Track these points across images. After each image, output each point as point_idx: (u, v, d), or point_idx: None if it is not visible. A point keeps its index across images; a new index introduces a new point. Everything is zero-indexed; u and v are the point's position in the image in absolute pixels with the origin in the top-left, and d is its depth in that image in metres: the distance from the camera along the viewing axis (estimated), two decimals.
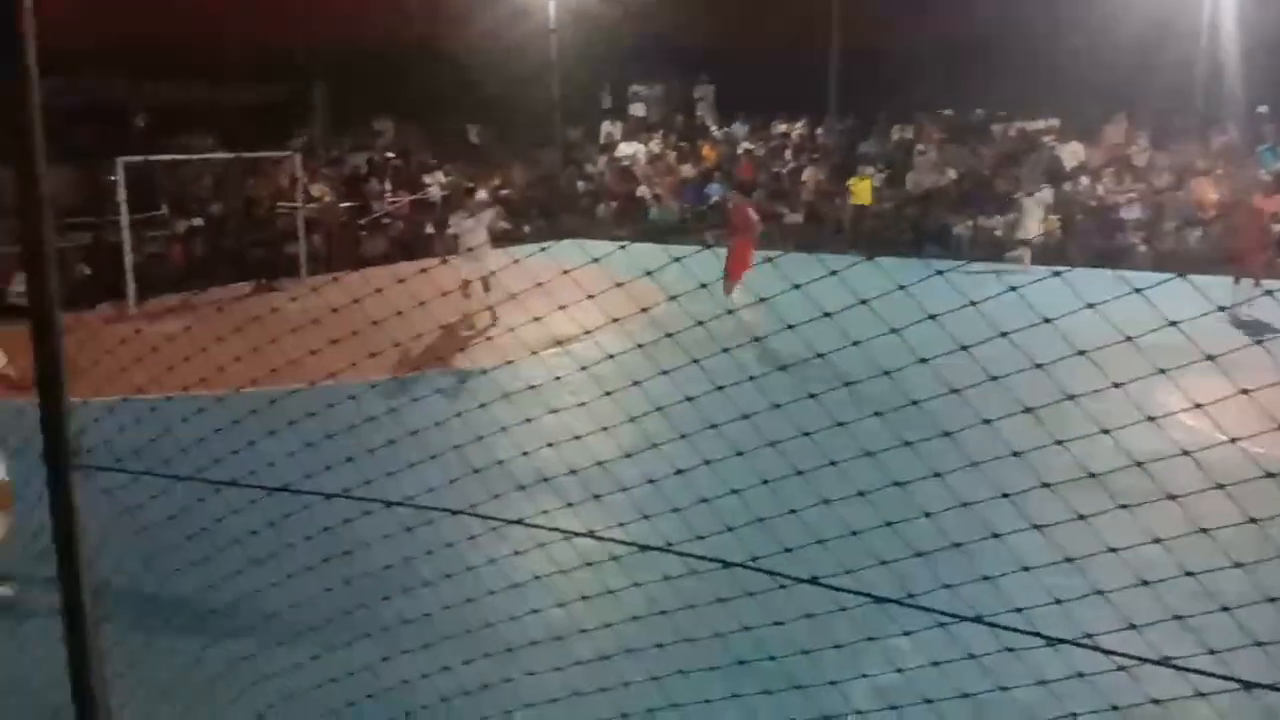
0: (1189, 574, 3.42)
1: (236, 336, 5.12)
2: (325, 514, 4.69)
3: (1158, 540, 3.47)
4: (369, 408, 5.08)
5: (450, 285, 13.86)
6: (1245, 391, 3.70)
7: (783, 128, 28.78)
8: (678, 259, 3.73)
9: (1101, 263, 19.69)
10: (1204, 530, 3.30)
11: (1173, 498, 3.20)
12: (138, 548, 5.80)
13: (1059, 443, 3.42)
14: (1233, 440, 3.45)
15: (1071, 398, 3.26)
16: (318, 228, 21.37)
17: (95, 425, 4.11)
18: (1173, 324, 3.09)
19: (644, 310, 4.05)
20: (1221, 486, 3.24)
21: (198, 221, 20.74)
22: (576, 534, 4.10)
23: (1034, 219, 21.21)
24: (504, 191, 27.05)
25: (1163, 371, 3.22)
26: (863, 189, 24.11)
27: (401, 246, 22.86)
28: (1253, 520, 3.45)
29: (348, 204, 23.60)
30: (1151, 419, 3.52)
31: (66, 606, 3.05)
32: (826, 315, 3.38)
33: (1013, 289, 3.23)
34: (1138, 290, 3.18)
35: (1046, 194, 21.67)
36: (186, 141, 22.25)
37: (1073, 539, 3.66)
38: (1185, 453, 3.25)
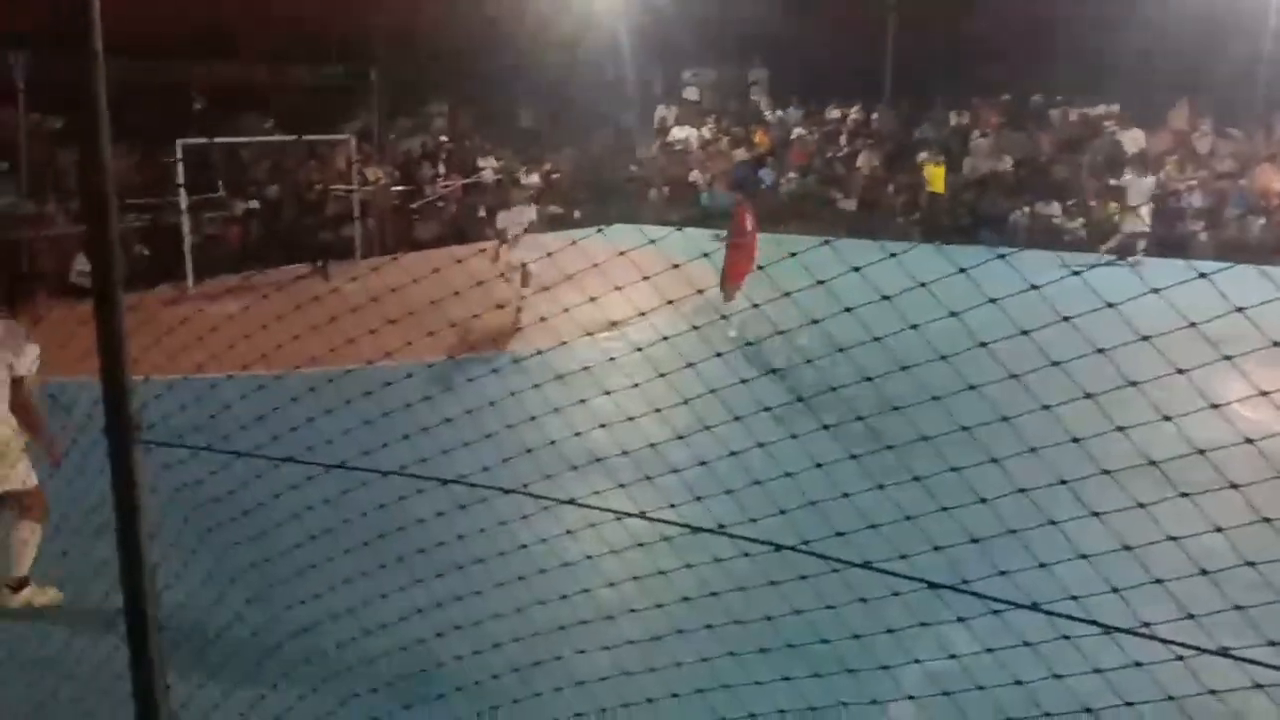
0: (1249, 564, 3.37)
1: (294, 316, 5.19)
2: (381, 491, 4.76)
3: (1218, 529, 3.42)
4: (424, 387, 5.13)
5: (498, 270, 13.97)
6: None
7: (837, 113, 28.55)
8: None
9: (1162, 251, 19.39)
10: (1267, 520, 3.24)
11: (1234, 486, 3.15)
12: (196, 523, 5.91)
13: (1119, 429, 3.38)
14: None
15: (1133, 384, 3.22)
16: (371, 211, 21.56)
17: (155, 402, 4.19)
18: (1239, 310, 3.04)
19: (698, 293, 4.04)
20: None
21: (254, 204, 21.01)
22: (628, 514, 4.13)
23: (1140, 208, 20.36)
24: (555, 175, 27.11)
25: (1227, 358, 3.17)
26: (937, 176, 23.77)
27: (454, 230, 23.01)
28: None
29: (401, 187, 23.78)
30: (1214, 407, 3.46)
31: (126, 582, 3.10)
32: (885, 299, 3.36)
33: (1075, 272, 3.19)
34: (1202, 275, 3.13)
35: (1148, 182, 20.82)
36: (244, 124, 22.52)
37: (1131, 527, 3.62)
38: (1249, 440, 3.20)
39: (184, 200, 17.56)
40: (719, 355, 4.11)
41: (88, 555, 6.08)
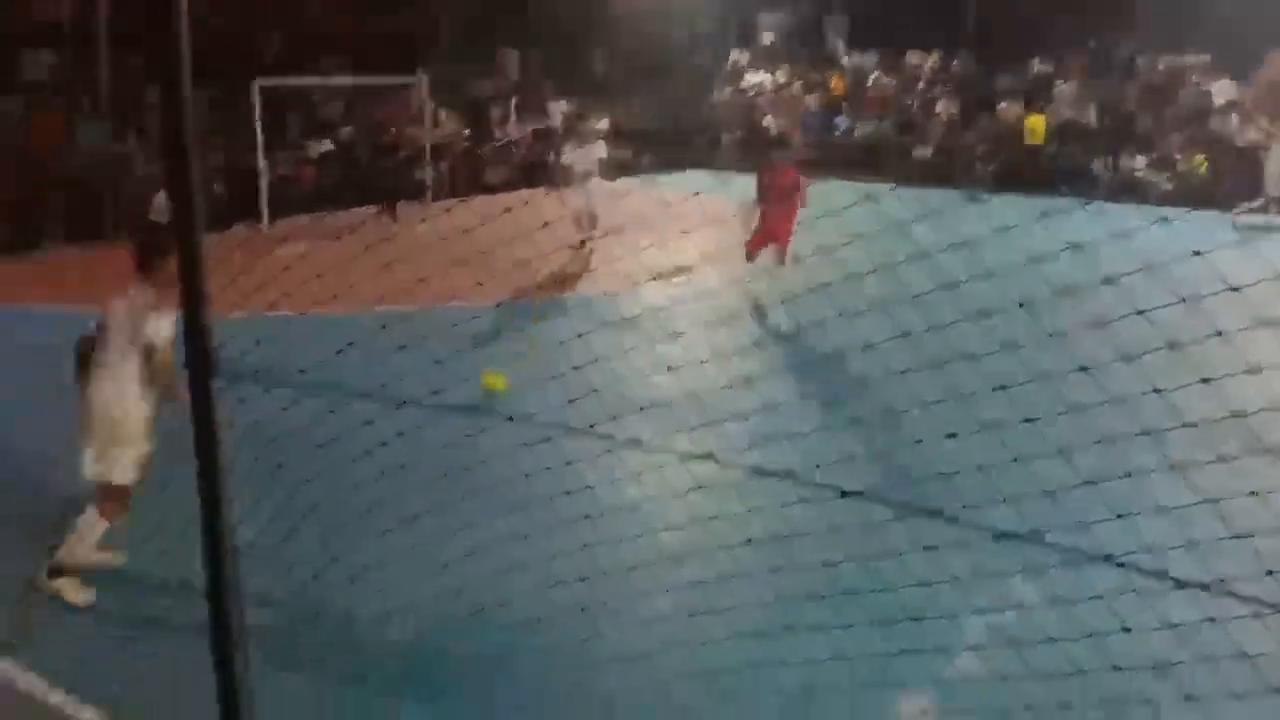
0: None
1: (364, 257, 5.23)
2: (448, 429, 4.81)
3: None
4: (491, 328, 5.15)
5: (566, 211, 13.89)
6: None
7: (915, 59, 27.90)
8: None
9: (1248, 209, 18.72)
10: None
11: None
12: (269, 458, 6.03)
13: (1204, 380, 3.28)
14: None
15: (1219, 333, 3.12)
16: (442, 154, 21.62)
17: (230, 340, 4.26)
18: None
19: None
20: None
21: (328, 145, 21.17)
22: (695, 456, 4.12)
23: None
24: (626, 120, 26.92)
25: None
26: (1038, 125, 23.11)
27: (523, 174, 23.00)
28: None
29: (471, 131, 23.80)
30: None
31: (205, 515, 3.15)
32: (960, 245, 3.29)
33: (1164, 219, 3.08)
34: None
35: None
36: (319, 67, 22.66)
37: (1211, 483, 3.53)
38: None
39: (260, 141, 17.73)
40: (785, 301, 4.05)
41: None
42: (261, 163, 17.94)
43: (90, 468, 5.39)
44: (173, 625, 4.89)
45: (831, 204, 5.02)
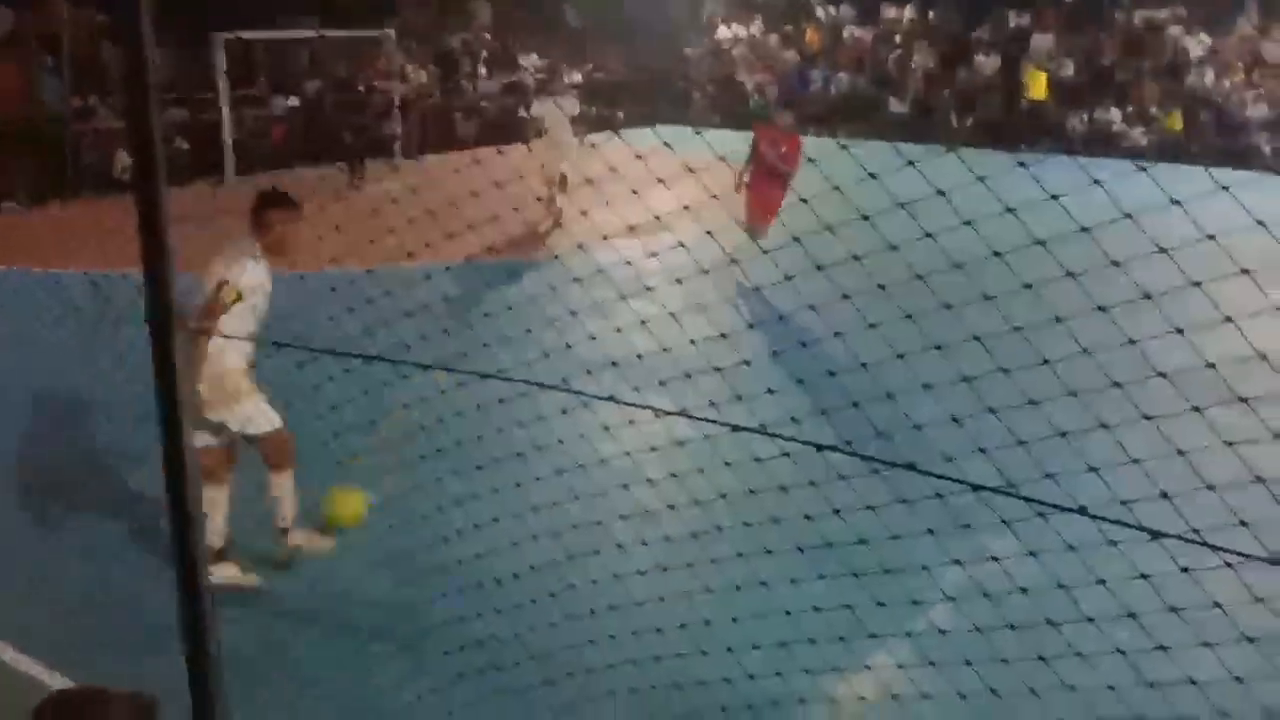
0: None
1: (329, 214, 5.14)
2: (421, 385, 4.74)
3: (1278, 436, 3.31)
4: (464, 285, 5.08)
5: (537, 165, 13.68)
6: None
7: (892, 11, 27.71)
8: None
9: (1224, 162, 18.73)
10: None
11: None
12: None
13: (1178, 331, 3.26)
14: None
15: (1197, 284, 3.10)
16: (412, 109, 21.34)
17: (188, 296, 4.18)
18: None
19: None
20: None
21: (294, 100, 20.86)
22: (669, 412, 4.08)
23: None
24: (599, 75, 26.65)
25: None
26: (1039, 81, 22.93)
27: (494, 129, 22.74)
28: None
29: (441, 85, 23.50)
30: None
31: (169, 470, 3.09)
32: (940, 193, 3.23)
33: (1138, 166, 3.04)
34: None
35: None
36: (286, 20, 22.27)
37: (1182, 433, 3.52)
38: None
39: (224, 96, 17.46)
40: (766, 253, 4.00)
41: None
42: (225, 118, 17.67)
43: (237, 425, 5.16)
44: None
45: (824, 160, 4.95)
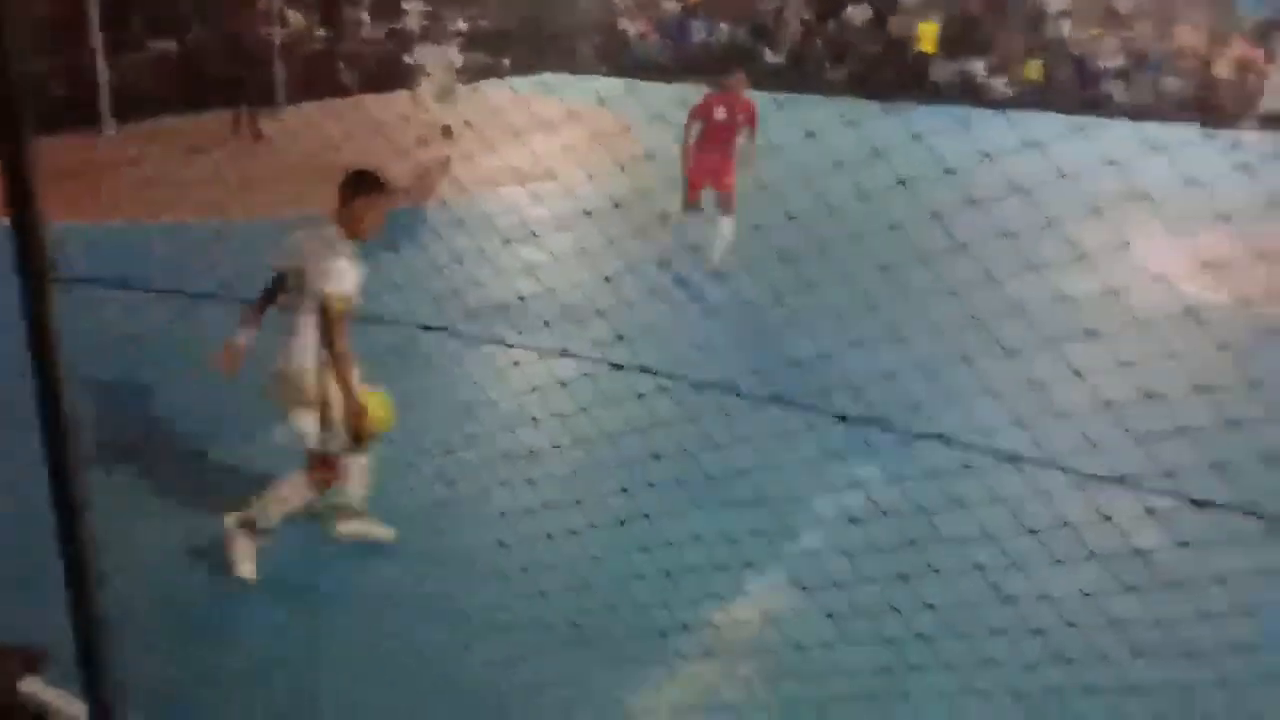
0: (1149, 396, 3.53)
1: (210, 164, 5.05)
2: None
3: (1126, 364, 3.56)
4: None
5: (420, 113, 13.49)
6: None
7: None
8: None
9: (1081, 110, 19.56)
10: (1169, 357, 3.39)
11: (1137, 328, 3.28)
12: (109, 363, 5.82)
13: (1033, 268, 3.47)
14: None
15: (1049, 223, 3.30)
16: (293, 55, 20.70)
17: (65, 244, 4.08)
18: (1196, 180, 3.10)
19: (622, 144, 4.00)
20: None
21: (172, 45, 20.05)
22: (551, 352, 4.17)
23: None
24: (483, 23, 26.21)
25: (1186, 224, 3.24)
26: (929, 33, 23.24)
27: (377, 77, 22.22)
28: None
29: (323, 31, 22.84)
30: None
31: (45, 423, 3.05)
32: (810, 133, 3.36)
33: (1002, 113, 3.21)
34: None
35: None
36: None
37: (1038, 365, 3.75)
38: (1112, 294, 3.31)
39: (99, 39, 16.68)
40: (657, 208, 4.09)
41: None
42: (100, 64, 16.90)
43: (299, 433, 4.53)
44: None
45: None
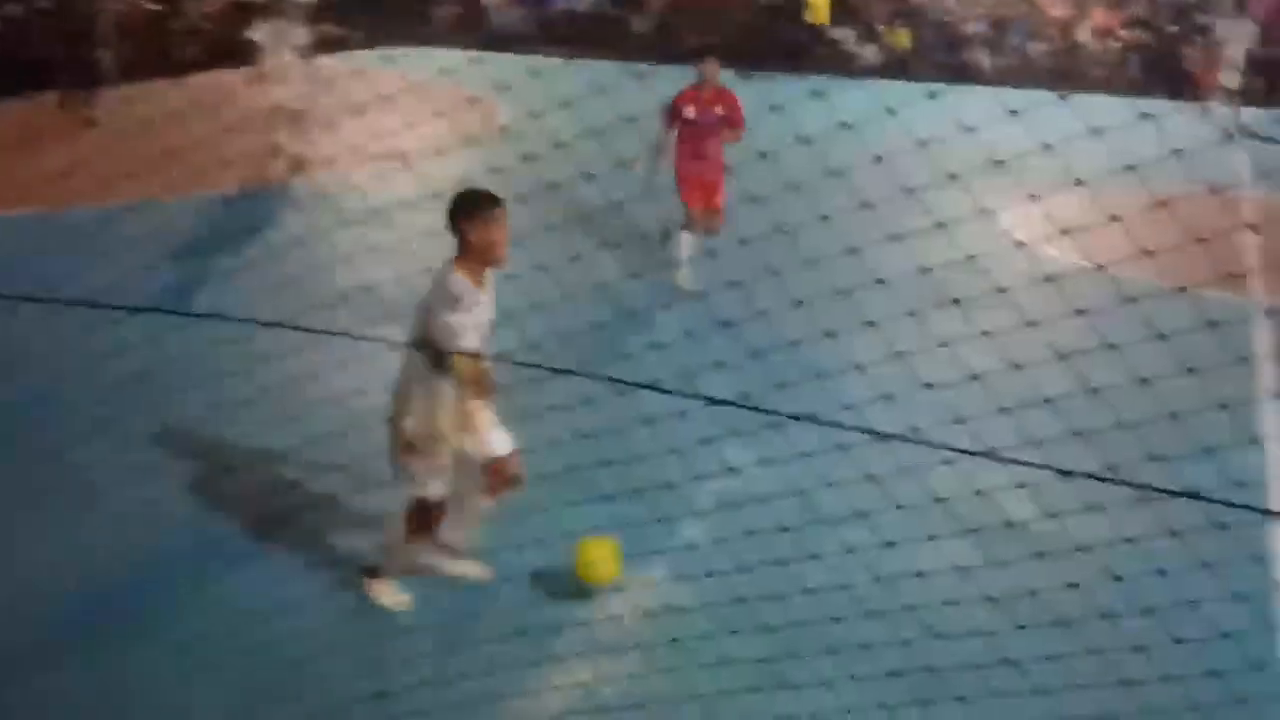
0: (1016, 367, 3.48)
1: (35, 149, 4.65)
2: (132, 329, 4.39)
3: (987, 333, 3.50)
4: (189, 222, 4.73)
5: (262, 93, 12.73)
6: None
7: None
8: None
9: (946, 77, 19.83)
10: (1031, 325, 3.34)
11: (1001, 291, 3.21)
12: None
13: (894, 238, 3.38)
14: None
15: (910, 191, 3.21)
16: (125, 31, 19.66)
17: None
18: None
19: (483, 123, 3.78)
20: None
21: None
22: (400, 344, 3.95)
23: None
24: None
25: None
26: (821, 5, 23.03)
27: (218, 53, 21.25)
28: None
29: (158, 6, 21.78)
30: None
31: None
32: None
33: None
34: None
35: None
36: None
37: (904, 339, 3.67)
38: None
39: None
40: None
41: None
42: None
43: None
44: None
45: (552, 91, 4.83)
